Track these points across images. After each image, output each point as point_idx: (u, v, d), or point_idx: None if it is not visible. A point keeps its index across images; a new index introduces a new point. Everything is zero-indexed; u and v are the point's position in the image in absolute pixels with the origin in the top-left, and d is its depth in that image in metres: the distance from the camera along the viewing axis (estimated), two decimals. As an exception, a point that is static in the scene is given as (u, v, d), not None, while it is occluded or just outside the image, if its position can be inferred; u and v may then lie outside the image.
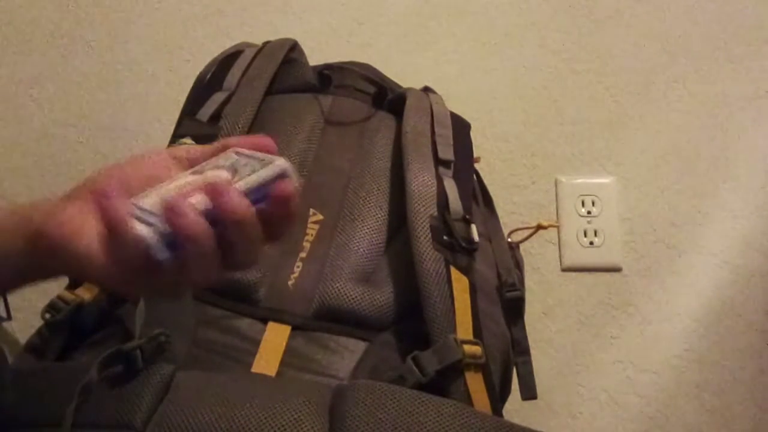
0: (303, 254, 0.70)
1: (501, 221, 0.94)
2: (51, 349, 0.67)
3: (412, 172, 0.73)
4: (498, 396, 0.69)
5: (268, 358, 0.64)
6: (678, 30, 1.16)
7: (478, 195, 0.90)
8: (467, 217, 0.73)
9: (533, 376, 0.85)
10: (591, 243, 1.13)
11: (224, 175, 0.45)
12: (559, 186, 1.15)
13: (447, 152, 0.78)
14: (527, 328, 0.85)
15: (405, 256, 0.69)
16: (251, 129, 0.76)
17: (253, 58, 0.84)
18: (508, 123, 1.16)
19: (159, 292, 0.46)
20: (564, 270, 1.13)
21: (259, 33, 1.17)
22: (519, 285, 0.85)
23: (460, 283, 0.68)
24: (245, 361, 0.63)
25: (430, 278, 0.66)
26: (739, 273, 1.11)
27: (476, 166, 0.91)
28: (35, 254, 0.46)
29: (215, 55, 0.88)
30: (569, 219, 1.13)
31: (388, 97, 0.88)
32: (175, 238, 0.42)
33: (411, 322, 0.68)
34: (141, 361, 0.57)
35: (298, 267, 0.70)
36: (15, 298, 1.02)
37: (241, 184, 0.44)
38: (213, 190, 0.43)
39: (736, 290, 1.11)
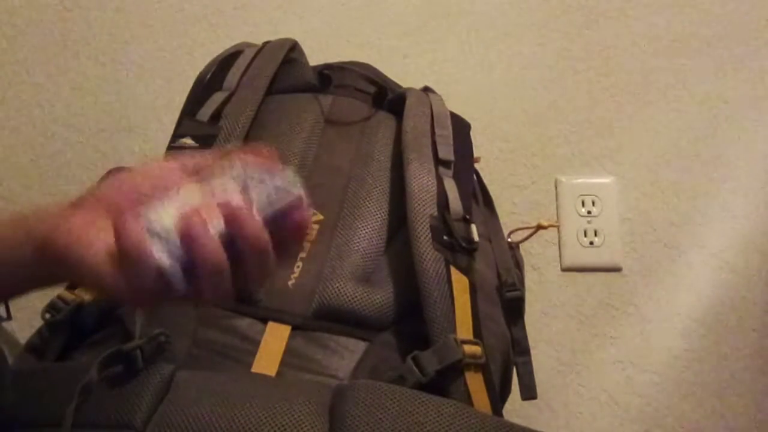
0: (303, 254, 0.70)
1: (501, 221, 0.94)
2: (51, 349, 0.67)
3: (412, 172, 0.73)
4: (498, 396, 0.69)
5: (268, 358, 0.64)
6: (678, 30, 1.16)
7: (478, 195, 0.90)
8: (467, 217, 0.73)
9: (533, 376, 0.85)
10: (591, 243, 1.13)
11: (236, 194, 0.44)
12: (559, 186, 1.15)
13: (447, 152, 0.78)
14: (527, 328, 0.85)
15: (405, 256, 0.69)
16: (251, 129, 0.76)
17: (253, 58, 0.84)
18: (508, 123, 1.16)
19: (165, 305, 0.46)
20: (564, 270, 1.13)
21: (259, 33, 1.17)
22: (519, 285, 0.85)
23: (460, 283, 0.68)
24: (245, 361, 0.63)
25: (430, 278, 0.66)
26: (739, 273, 1.11)
27: (476, 166, 0.91)
28: (42, 262, 0.46)
29: (215, 55, 0.88)
30: (569, 219, 1.13)
31: (388, 97, 0.88)
32: (191, 266, 0.42)
33: (411, 322, 0.68)
34: (141, 361, 0.57)
35: (298, 267, 0.70)
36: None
37: (259, 211, 0.44)
38: (233, 218, 0.43)
39: (736, 290, 1.10)
